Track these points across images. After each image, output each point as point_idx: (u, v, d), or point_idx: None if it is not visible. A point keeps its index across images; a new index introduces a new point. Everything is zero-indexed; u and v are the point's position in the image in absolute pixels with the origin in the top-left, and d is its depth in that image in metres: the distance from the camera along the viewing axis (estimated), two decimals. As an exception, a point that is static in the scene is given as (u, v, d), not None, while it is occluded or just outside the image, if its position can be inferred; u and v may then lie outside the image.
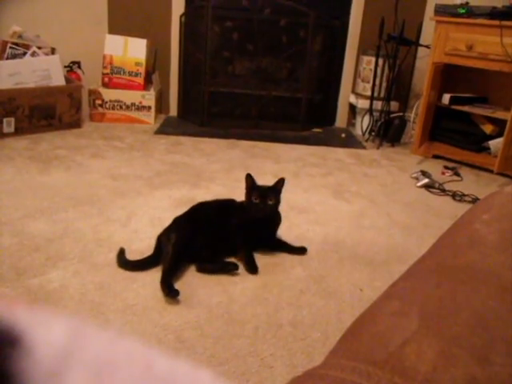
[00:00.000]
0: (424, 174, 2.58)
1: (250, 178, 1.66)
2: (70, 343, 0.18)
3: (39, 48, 2.91)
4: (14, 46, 2.85)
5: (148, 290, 1.43)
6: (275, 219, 1.73)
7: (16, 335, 0.17)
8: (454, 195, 2.41)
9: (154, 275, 1.51)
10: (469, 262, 0.49)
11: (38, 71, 2.84)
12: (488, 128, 2.97)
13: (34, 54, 2.87)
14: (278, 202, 1.68)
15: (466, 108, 2.94)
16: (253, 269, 1.59)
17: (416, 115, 3.22)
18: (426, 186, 2.50)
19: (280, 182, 1.67)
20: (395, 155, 3.07)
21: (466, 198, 2.39)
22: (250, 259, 1.62)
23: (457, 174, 2.75)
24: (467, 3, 2.76)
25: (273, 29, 3.35)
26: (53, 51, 2.98)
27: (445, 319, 0.42)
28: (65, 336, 0.18)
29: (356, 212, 2.14)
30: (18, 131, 2.79)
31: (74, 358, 0.17)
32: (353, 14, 3.44)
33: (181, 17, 3.34)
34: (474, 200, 2.37)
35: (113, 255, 1.60)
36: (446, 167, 2.84)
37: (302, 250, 1.72)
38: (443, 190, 2.47)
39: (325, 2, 3.39)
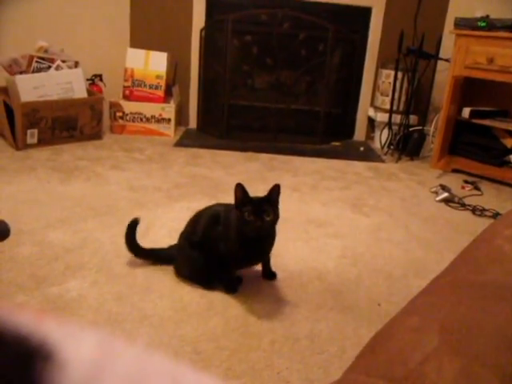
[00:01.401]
0: (443, 188, 2.55)
1: (240, 189, 1.36)
2: (101, 357, 0.18)
3: (63, 61, 2.97)
4: (39, 60, 2.92)
5: (165, 301, 1.44)
6: (270, 237, 1.45)
7: (48, 350, 0.17)
8: (474, 210, 2.38)
9: (172, 287, 1.52)
10: (491, 279, 0.49)
11: (62, 84, 2.90)
12: (509, 142, 2.92)
13: (58, 68, 2.94)
14: (276, 216, 1.38)
15: (486, 122, 2.90)
16: (232, 289, 1.51)
17: (435, 129, 3.19)
18: (446, 201, 2.47)
19: (275, 190, 1.37)
20: (414, 169, 3.04)
21: (487, 213, 2.35)
22: (231, 277, 1.53)
23: (477, 189, 2.71)
24: (487, 16, 2.74)
25: (292, 43, 3.37)
26: (76, 64, 3.05)
27: (466, 336, 0.41)
28: (95, 350, 0.18)
29: (374, 226, 2.12)
30: (41, 142, 2.85)
31: (106, 371, 0.17)
32: (372, 28, 3.45)
33: (201, 31, 3.39)
34: (495, 215, 2.33)
35: (131, 266, 1.62)
36: (465, 181, 2.80)
37: (272, 276, 1.61)
38: (463, 205, 2.43)
39: (344, 16, 3.41)
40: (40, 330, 0.18)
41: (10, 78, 2.81)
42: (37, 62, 2.91)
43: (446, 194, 2.49)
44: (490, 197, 2.63)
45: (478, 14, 2.79)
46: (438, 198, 2.49)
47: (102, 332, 0.19)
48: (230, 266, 1.52)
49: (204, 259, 1.50)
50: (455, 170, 3.01)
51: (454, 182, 2.77)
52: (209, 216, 1.52)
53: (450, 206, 2.44)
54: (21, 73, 2.87)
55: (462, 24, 2.81)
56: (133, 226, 1.59)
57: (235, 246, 1.43)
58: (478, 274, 0.52)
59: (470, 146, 3.06)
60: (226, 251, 1.45)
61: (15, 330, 0.17)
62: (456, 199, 2.47)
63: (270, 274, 1.61)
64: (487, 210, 2.37)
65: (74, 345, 0.18)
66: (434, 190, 2.59)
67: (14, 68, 2.90)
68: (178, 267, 1.58)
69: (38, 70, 2.90)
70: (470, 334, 0.41)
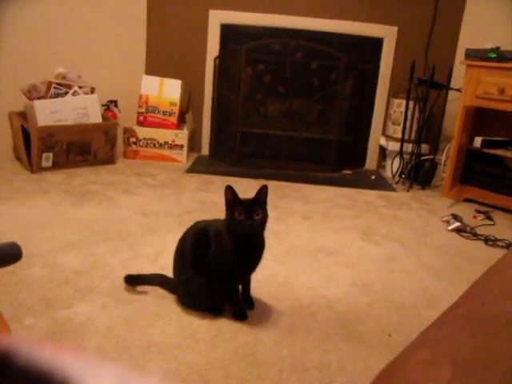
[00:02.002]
0: (455, 217, 2.53)
1: (230, 191, 1.40)
2: None
3: (80, 87, 3.04)
4: (57, 86, 2.99)
5: (173, 327, 1.43)
6: (260, 243, 1.48)
7: None
8: (487, 240, 2.35)
9: (181, 313, 1.51)
10: (504, 311, 0.48)
11: (78, 109, 2.97)
12: (522, 172, 2.91)
13: (74, 93, 3.01)
14: (265, 215, 1.42)
15: (498, 151, 2.90)
16: (241, 315, 1.50)
17: (447, 158, 3.19)
18: (458, 230, 2.45)
19: (262, 192, 1.42)
20: (426, 198, 3.03)
21: (499, 243, 2.32)
22: (239, 302, 1.52)
23: (489, 218, 2.68)
24: (498, 48, 2.77)
25: (304, 72, 3.42)
26: (92, 90, 3.11)
27: (480, 371, 0.40)
28: None
29: (385, 255, 2.10)
30: (55, 166, 2.89)
31: None
32: (384, 58, 3.49)
33: (215, 59, 3.46)
34: (508, 245, 2.30)
35: (140, 291, 1.61)
36: (477, 211, 2.78)
37: (249, 303, 1.58)
38: (475, 234, 2.41)
39: (356, 46, 3.46)
40: (61, 365, 0.18)
41: (29, 103, 2.88)
42: (55, 87, 2.98)
43: (457, 224, 2.47)
44: (502, 227, 2.60)
45: (488, 46, 2.82)
46: (449, 228, 2.47)
47: (120, 367, 0.20)
48: (232, 283, 1.51)
49: (207, 287, 1.49)
50: (467, 200, 2.99)
51: (466, 212, 2.75)
52: (195, 240, 1.51)
53: (461, 235, 2.41)
54: (39, 98, 2.94)
55: (472, 55, 2.84)
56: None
57: (230, 251, 1.43)
58: (490, 306, 0.51)
59: (482, 175, 3.05)
60: (225, 264, 1.44)
61: (39, 366, 0.17)
62: (468, 229, 2.45)
63: (248, 301, 1.58)
64: (500, 240, 2.34)
65: (94, 381, 0.18)
66: (445, 219, 2.57)
67: (33, 94, 2.97)
68: (182, 300, 1.56)
69: (56, 96, 2.97)
70: (483, 369, 0.41)
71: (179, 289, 1.55)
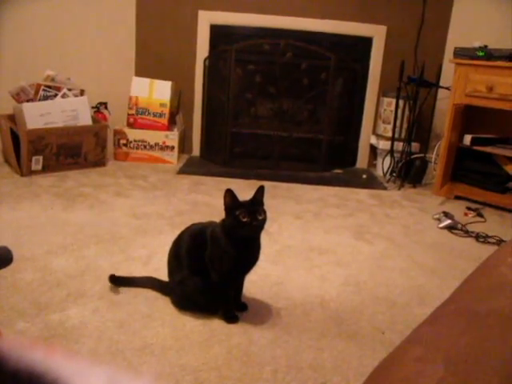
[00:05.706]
0: (446, 215, 2.55)
1: (230, 195, 1.39)
2: None
3: (69, 90, 3.02)
4: (46, 89, 2.97)
5: (167, 329, 1.42)
6: (257, 245, 1.47)
7: None
8: (478, 237, 2.37)
9: (174, 314, 1.50)
10: (496, 307, 0.48)
11: (67, 111, 2.95)
12: (511, 169, 2.93)
13: (64, 96, 2.99)
14: (265, 214, 1.43)
15: (487, 149, 2.92)
16: (232, 318, 1.50)
17: (437, 156, 3.21)
18: (449, 227, 2.46)
19: (260, 192, 1.42)
20: (417, 196, 3.05)
21: (490, 240, 2.34)
22: (230, 305, 1.53)
23: (480, 215, 2.70)
24: (486, 46, 2.79)
25: (294, 71, 3.42)
26: (82, 93, 3.10)
27: (473, 367, 0.40)
28: None
29: (377, 253, 2.11)
30: (45, 169, 2.87)
31: None
32: (373, 57, 3.51)
33: (205, 60, 3.45)
34: (499, 242, 2.32)
35: (133, 294, 1.61)
36: (468, 208, 2.80)
37: (242, 307, 1.58)
38: (466, 232, 2.43)
39: (345, 46, 3.47)
40: (52, 367, 0.18)
41: (18, 106, 2.86)
42: (44, 90, 2.96)
43: (448, 221, 2.48)
44: (493, 223, 2.62)
45: (477, 44, 2.84)
46: (440, 225, 2.49)
47: (110, 368, 0.20)
48: (227, 285, 1.50)
49: (202, 287, 1.48)
50: (458, 197, 3.01)
51: (457, 209, 2.77)
52: (191, 241, 1.51)
53: (453, 232, 2.43)
54: (28, 101, 2.91)
55: (461, 54, 2.86)
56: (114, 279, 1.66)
57: (229, 254, 1.42)
58: (482, 302, 0.52)
59: (472, 172, 3.07)
60: (222, 267, 1.44)
61: (30, 368, 0.17)
62: (459, 226, 2.47)
63: (240, 305, 1.57)
64: (491, 237, 2.36)
65: (85, 382, 0.18)
66: (436, 216, 2.58)
67: (21, 96, 2.95)
68: (176, 302, 1.56)
69: (45, 98, 2.95)
70: (476, 365, 0.41)
71: (174, 290, 1.55)
